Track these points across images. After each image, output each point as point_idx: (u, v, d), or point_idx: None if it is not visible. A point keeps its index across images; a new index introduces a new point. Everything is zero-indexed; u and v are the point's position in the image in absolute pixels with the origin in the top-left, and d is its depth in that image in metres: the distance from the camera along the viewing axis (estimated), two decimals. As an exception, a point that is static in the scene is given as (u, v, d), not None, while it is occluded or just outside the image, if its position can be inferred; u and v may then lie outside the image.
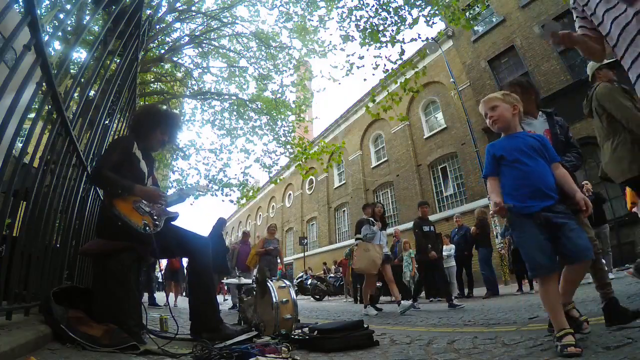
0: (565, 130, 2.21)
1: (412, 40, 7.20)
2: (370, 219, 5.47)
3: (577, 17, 1.59)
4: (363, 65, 8.16)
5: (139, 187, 2.03)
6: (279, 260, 7.25)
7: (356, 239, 5.46)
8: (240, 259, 7.57)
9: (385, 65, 7.31)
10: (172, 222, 2.30)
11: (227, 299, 12.84)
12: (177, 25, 9.47)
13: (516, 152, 1.74)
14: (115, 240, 2.00)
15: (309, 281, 13.41)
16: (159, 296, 9.31)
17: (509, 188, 1.72)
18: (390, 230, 14.94)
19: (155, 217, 2.07)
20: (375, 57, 7.35)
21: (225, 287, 13.06)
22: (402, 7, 6.93)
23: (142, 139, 2.26)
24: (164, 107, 8.69)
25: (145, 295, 7.15)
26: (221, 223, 7.60)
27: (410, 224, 14.98)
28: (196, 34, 9.52)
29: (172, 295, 8.87)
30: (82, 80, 2.45)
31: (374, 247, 5.18)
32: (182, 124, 2.66)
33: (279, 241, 7.57)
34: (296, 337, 2.17)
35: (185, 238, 2.27)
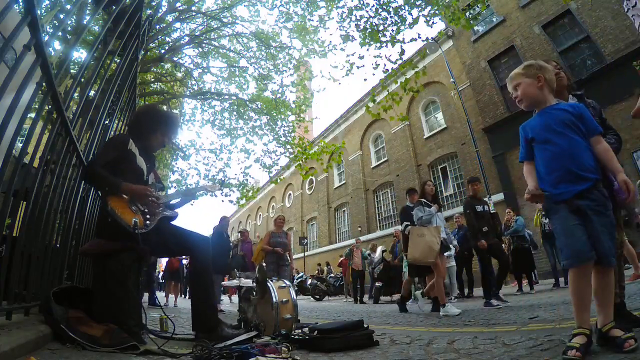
0: (598, 112, 2.04)
1: (412, 40, 7.20)
2: (422, 200, 4.66)
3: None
4: (363, 65, 8.17)
5: (126, 185, 1.99)
6: (288, 259, 6.08)
7: (405, 225, 4.70)
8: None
9: (385, 65, 7.31)
10: (172, 222, 2.29)
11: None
12: (177, 25, 9.48)
13: (545, 132, 1.58)
14: (110, 239, 2.00)
15: (309, 281, 13.41)
16: (159, 296, 9.32)
17: (541, 172, 1.58)
18: (390, 230, 14.98)
19: (147, 217, 2.05)
20: (375, 57, 7.36)
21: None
22: (402, 7, 6.94)
23: (141, 139, 2.26)
24: (164, 108, 8.72)
25: (146, 295, 7.14)
26: (224, 223, 7.47)
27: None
28: (196, 34, 9.52)
29: (171, 295, 8.87)
30: (82, 80, 2.45)
31: (430, 231, 4.35)
32: (182, 125, 2.66)
33: (288, 235, 6.37)
34: (296, 337, 2.16)
35: (185, 237, 2.26)
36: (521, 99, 1.69)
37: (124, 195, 2.01)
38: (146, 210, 2.07)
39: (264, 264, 5.64)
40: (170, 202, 2.36)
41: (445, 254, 7.68)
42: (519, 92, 1.69)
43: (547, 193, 1.52)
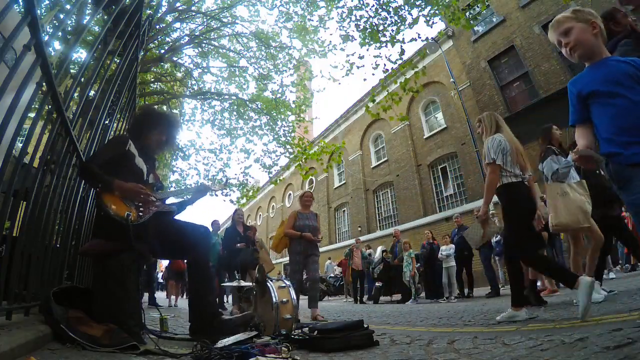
0: None
1: (412, 40, 7.21)
2: (552, 147, 3.74)
3: None
4: (363, 65, 8.17)
5: (118, 183, 1.99)
6: (318, 249, 4.75)
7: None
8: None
9: (385, 65, 7.32)
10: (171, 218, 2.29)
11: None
12: (177, 25, 9.48)
13: (610, 84, 1.31)
14: (108, 239, 2.00)
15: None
16: (160, 296, 9.32)
17: (607, 131, 1.30)
18: (390, 230, 14.99)
19: (141, 209, 2.06)
20: (375, 57, 7.36)
21: None
22: (402, 7, 6.94)
23: (140, 139, 2.27)
24: (163, 107, 8.72)
25: (146, 295, 7.14)
26: (215, 227, 7.68)
27: (410, 224, 15.09)
28: (196, 34, 9.53)
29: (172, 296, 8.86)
30: (82, 80, 2.45)
31: (574, 188, 3.20)
32: (181, 124, 2.66)
33: (318, 216, 5.03)
34: (296, 337, 2.16)
35: (184, 231, 2.25)
36: (575, 46, 1.40)
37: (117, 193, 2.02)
38: (140, 205, 2.08)
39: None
40: (168, 199, 2.36)
41: (445, 253, 7.77)
42: (572, 38, 1.40)
43: (617, 155, 1.25)
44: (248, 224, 7.94)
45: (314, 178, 22.39)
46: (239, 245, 5.80)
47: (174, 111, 10.42)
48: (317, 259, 4.61)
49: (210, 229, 7.36)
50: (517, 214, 2.77)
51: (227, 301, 9.28)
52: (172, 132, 2.43)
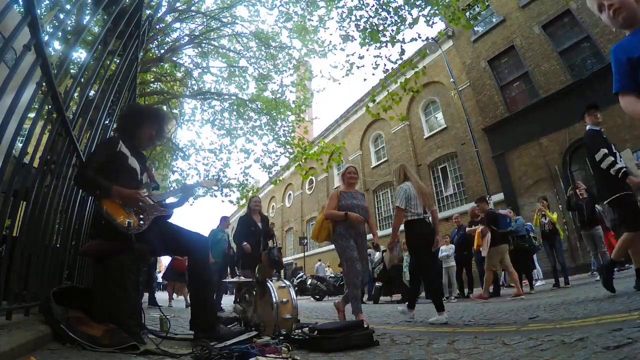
0: None
1: (412, 40, 7.20)
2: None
3: None
4: (363, 65, 8.16)
5: (116, 189, 1.98)
6: (368, 237, 4.03)
7: (604, 155, 3.20)
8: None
9: (385, 65, 7.31)
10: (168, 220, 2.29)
11: None
12: (177, 25, 9.48)
13: None
14: (108, 239, 2.00)
15: (309, 281, 13.41)
16: (164, 297, 9.31)
17: None
18: (390, 230, 14.93)
19: (141, 217, 2.06)
20: (375, 57, 7.35)
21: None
22: (402, 7, 6.94)
23: (130, 137, 2.26)
24: (163, 107, 8.71)
25: (146, 296, 7.12)
26: (225, 223, 7.26)
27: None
28: (196, 34, 9.52)
29: (176, 296, 8.83)
30: (82, 80, 2.45)
31: None
32: (168, 117, 2.64)
33: (365, 197, 4.36)
34: (296, 337, 2.16)
35: (183, 237, 2.26)
36: (619, 8, 1.33)
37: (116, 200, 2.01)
38: (140, 211, 2.08)
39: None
40: (165, 201, 2.35)
41: (445, 253, 7.76)
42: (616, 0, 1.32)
43: None
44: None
45: (314, 178, 22.38)
46: (244, 244, 4.74)
47: (174, 111, 10.43)
48: (366, 244, 3.96)
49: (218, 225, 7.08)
50: (413, 243, 3.70)
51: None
52: (161, 124, 2.41)
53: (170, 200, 2.43)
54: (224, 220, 7.26)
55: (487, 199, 7.85)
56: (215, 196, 10.18)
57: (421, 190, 3.66)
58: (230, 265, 6.68)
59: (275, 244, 4.40)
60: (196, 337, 2.19)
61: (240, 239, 4.84)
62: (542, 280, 8.43)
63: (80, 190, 2.45)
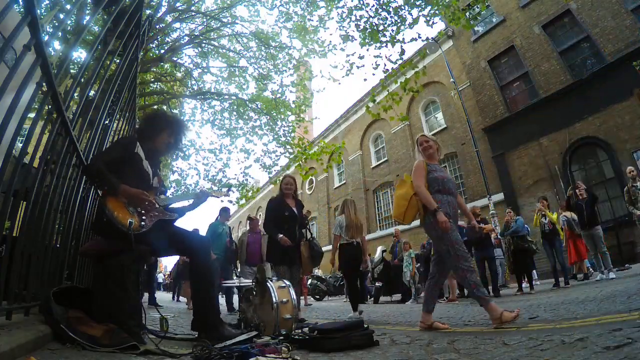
0: None
1: (412, 40, 7.19)
2: None
3: None
4: (363, 65, 8.16)
5: (124, 187, 1.98)
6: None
7: None
8: (250, 251, 6.10)
9: (385, 65, 7.31)
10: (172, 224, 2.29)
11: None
12: (177, 25, 9.48)
13: None
14: (107, 238, 2.00)
15: (309, 281, 13.41)
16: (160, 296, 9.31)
17: None
18: (390, 230, 14.98)
19: (143, 218, 2.05)
20: (375, 57, 7.34)
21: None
22: (402, 7, 6.93)
23: (148, 141, 2.28)
24: (163, 107, 8.71)
25: (146, 296, 7.13)
26: (226, 214, 6.83)
27: (409, 224, 15.00)
28: (196, 34, 9.53)
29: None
30: (82, 80, 2.45)
31: None
32: (188, 127, 2.69)
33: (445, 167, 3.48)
34: (296, 337, 2.16)
35: (185, 239, 2.27)
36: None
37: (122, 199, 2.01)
38: (143, 212, 2.07)
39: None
40: (170, 205, 2.35)
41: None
42: None
43: None
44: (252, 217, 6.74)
45: (314, 178, 22.40)
46: (280, 237, 3.74)
47: (174, 111, 10.43)
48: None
49: (219, 218, 6.72)
50: (345, 261, 4.76)
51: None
52: (180, 134, 2.45)
53: (180, 204, 2.43)
54: (224, 212, 6.83)
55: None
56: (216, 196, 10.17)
57: (353, 221, 4.75)
58: (232, 260, 6.34)
59: (311, 234, 4.19)
60: (199, 338, 2.19)
61: (272, 228, 3.86)
62: (537, 281, 8.46)
63: (81, 190, 2.45)
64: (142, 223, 2.03)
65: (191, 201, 2.47)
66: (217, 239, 6.31)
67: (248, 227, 6.60)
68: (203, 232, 6.59)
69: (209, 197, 2.60)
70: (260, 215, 32.11)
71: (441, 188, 2.92)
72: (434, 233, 2.85)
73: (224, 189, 3.59)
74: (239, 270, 6.29)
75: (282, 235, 3.74)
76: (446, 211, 2.83)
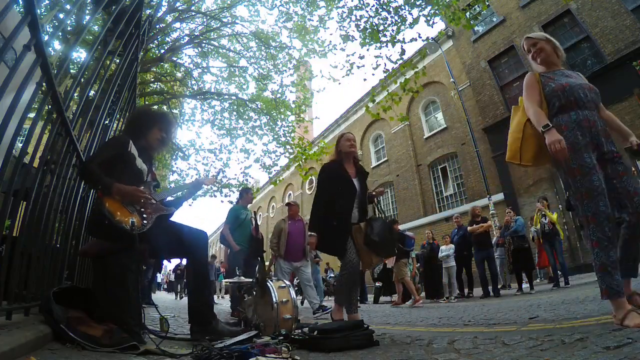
0: None
1: (412, 40, 7.20)
2: None
3: None
4: (363, 65, 8.15)
5: (118, 186, 1.95)
6: None
7: None
8: (292, 243, 5.24)
9: (385, 65, 7.31)
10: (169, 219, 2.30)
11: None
12: (177, 25, 9.48)
13: None
14: (106, 239, 2.01)
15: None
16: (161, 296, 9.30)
17: None
18: (390, 230, 14.92)
19: (144, 216, 2.05)
20: (375, 57, 7.34)
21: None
22: (403, 7, 6.94)
23: (139, 138, 2.27)
24: (163, 107, 8.71)
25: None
26: (249, 196, 5.77)
27: (410, 225, 15.10)
28: (196, 34, 9.53)
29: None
30: (82, 80, 2.45)
31: None
32: (178, 122, 2.72)
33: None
34: (296, 337, 2.16)
35: (183, 234, 2.27)
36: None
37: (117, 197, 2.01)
38: (142, 209, 2.07)
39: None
40: (167, 199, 2.36)
41: (445, 253, 7.76)
42: None
43: None
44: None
45: (313, 178, 22.37)
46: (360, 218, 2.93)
47: (174, 111, 10.43)
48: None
49: (238, 201, 5.77)
50: None
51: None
52: (170, 129, 2.45)
53: (175, 196, 2.45)
54: (245, 193, 5.71)
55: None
56: (215, 196, 10.17)
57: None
58: (258, 253, 4.71)
59: (382, 213, 2.95)
60: (192, 332, 2.25)
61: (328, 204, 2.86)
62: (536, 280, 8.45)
63: (81, 190, 2.45)
64: (144, 222, 2.03)
65: (185, 191, 2.50)
66: (240, 226, 5.20)
67: (288, 215, 5.60)
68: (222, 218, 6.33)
69: (203, 184, 2.68)
70: (260, 215, 32.10)
71: (565, 102, 2.00)
72: (563, 175, 1.96)
73: (215, 173, 3.70)
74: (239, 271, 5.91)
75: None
76: (574, 136, 1.88)
